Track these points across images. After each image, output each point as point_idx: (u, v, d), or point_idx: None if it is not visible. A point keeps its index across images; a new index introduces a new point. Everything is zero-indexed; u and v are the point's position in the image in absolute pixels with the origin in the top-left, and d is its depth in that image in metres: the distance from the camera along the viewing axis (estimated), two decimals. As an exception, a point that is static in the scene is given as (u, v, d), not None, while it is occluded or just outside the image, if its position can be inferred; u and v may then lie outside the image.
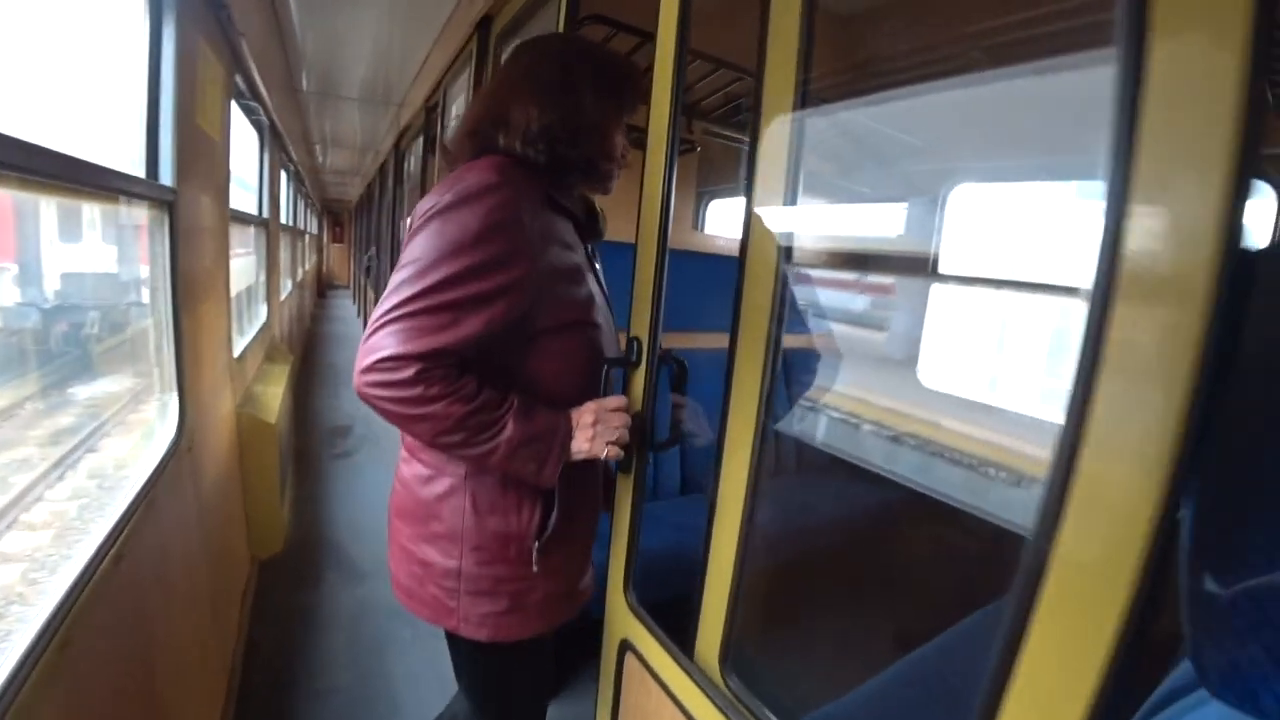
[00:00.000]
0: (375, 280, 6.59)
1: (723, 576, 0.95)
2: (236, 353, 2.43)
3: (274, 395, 2.82)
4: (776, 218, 0.85)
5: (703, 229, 3.18)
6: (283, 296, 4.71)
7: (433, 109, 3.49)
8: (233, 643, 1.92)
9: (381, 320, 0.83)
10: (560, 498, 0.98)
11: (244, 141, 3.59)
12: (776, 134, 0.86)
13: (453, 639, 1.06)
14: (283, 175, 4.78)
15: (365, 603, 2.47)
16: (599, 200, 1.08)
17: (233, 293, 3.19)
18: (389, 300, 0.84)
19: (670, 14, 0.99)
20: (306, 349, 7.38)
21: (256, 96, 2.80)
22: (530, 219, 0.87)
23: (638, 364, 1.03)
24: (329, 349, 7.85)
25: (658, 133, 1.00)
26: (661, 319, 1.01)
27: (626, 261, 1.10)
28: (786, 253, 0.84)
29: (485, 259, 0.83)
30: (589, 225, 1.04)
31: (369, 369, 0.82)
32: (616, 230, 1.16)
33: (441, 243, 0.83)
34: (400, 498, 1.06)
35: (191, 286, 1.65)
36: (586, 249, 1.03)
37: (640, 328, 1.03)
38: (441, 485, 0.98)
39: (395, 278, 0.85)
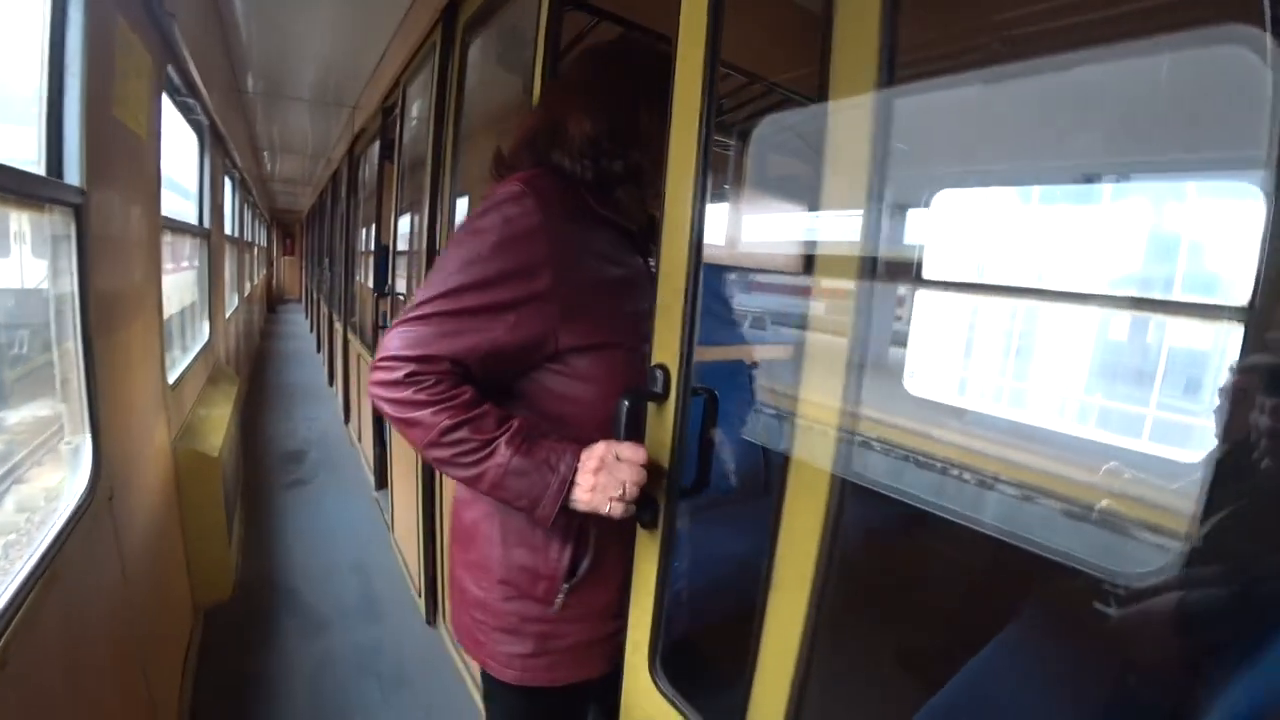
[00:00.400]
0: (330, 294, 6.25)
1: (784, 658, 0.77)
2: (172, 379, 2.15)
3: (217, 424, 2.54)
4: (862, 225, 0.68)
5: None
6: (228, 313, 4.37)
7: (390, 110, 3.25)
8: (170, 720, 1.65)
9: (396, 321, 0.84)
10: (596, 535, 0.90)
11: (185, 145, 3.29)
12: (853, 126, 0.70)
13: (485, 675, 1.00)
14: (227, 182, 4.45)
15: (326, 656, 2.21)
16: None
17: (169, 311, 2.90)
18: (409, 304, 0.84)
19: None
20: (256, 367, 6.95)
21: (194, 93, 2.53)
22: (559, 231, 0.84)
23: (664, 397, 0.85)
24: (280, 367, 7.42)
25: (687, 109, 0.83)
26: (695, 342, 0.83)
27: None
28: (870, 264, 0.67)
29: (499, 271, 0.81)
30: (647, 237, 0.96)
31: (374, 366, 0.83)
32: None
33: (460, 253, 0.83)
34: (453, 517, 1.04)
35: (111, 306, 1.40)
36: (647, 263, 0.95)
37: (666, 353, 0.85)
38: (477, 510, 0.96)
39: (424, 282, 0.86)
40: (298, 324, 11.61)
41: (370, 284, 3.96)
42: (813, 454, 0.74)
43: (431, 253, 2.21)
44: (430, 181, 2.20)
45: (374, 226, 3.99)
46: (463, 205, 2.23)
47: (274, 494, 3.57)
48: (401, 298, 3.10)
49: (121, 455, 1.44)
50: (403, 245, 3.18)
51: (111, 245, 1.38)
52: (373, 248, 4.02)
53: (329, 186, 6.65)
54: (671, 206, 0.85)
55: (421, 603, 2.42)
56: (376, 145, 3.74)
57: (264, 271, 11.85)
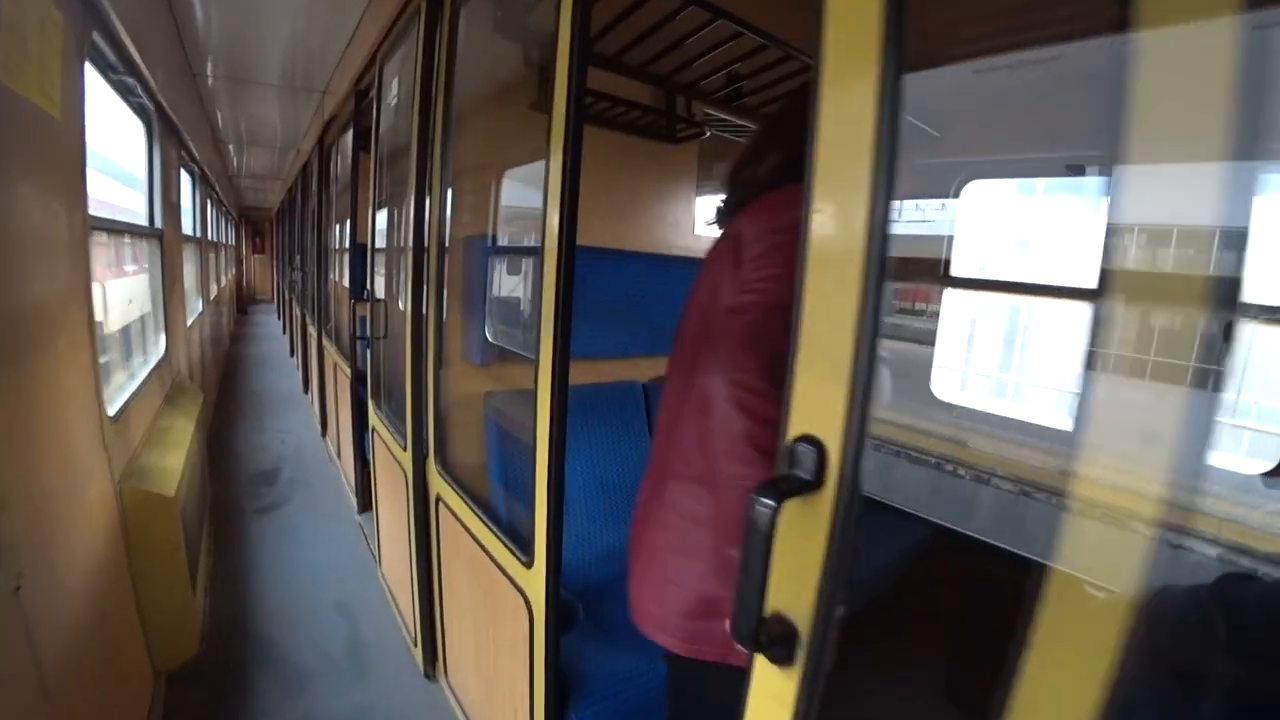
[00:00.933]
0: (302, 296, 5.86)
1: None
2: (115, 408, 1.82)
3: (175, 454, 2.20)
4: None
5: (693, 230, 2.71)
6: (190, 320, 3.99)
7: (365, 93, 2.91)
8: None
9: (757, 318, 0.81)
10: None
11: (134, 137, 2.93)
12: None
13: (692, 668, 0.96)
14: (184, 177, 4.06)
15: (310, 719, 1.91)
16: None
17: (115, 326, 2.55)
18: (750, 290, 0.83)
19: None
20: (225, 375, 6.53)
21: (132, 70, 2.17)
22: None
23: (816, 486, 0.57)
24: (251, 373, 7.00)
25: (855, 61, 0.55)
26: (869, 404, 0.55)
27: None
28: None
29: None
30: None
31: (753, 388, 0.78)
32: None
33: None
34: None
35: (9, 329, 1.08)
36: None
37: (818, 419, 0.57)
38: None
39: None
40: (270, 325, 11.12)
41: (345, 283, 3.61)
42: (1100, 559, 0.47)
43: (420, 252, 1.90)
44: (416, 171, 1.89)
45: (348, 223, 3.64)
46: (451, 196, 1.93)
47: (244, 521, 3.22)
48: (382, 302, 2.78)
49: (34, 525, 1.12)
50: (381, 242, 2.86)
51: (4, 250, 1.06)
52: (347, 246, 3.68)
53: (298, 181, 6.25)
54: (823, 207, 0.57)
55: (418, 652, 2.13)
56: (350, 134, 3.39)
57: (233, 271, 11.35)
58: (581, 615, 1.52)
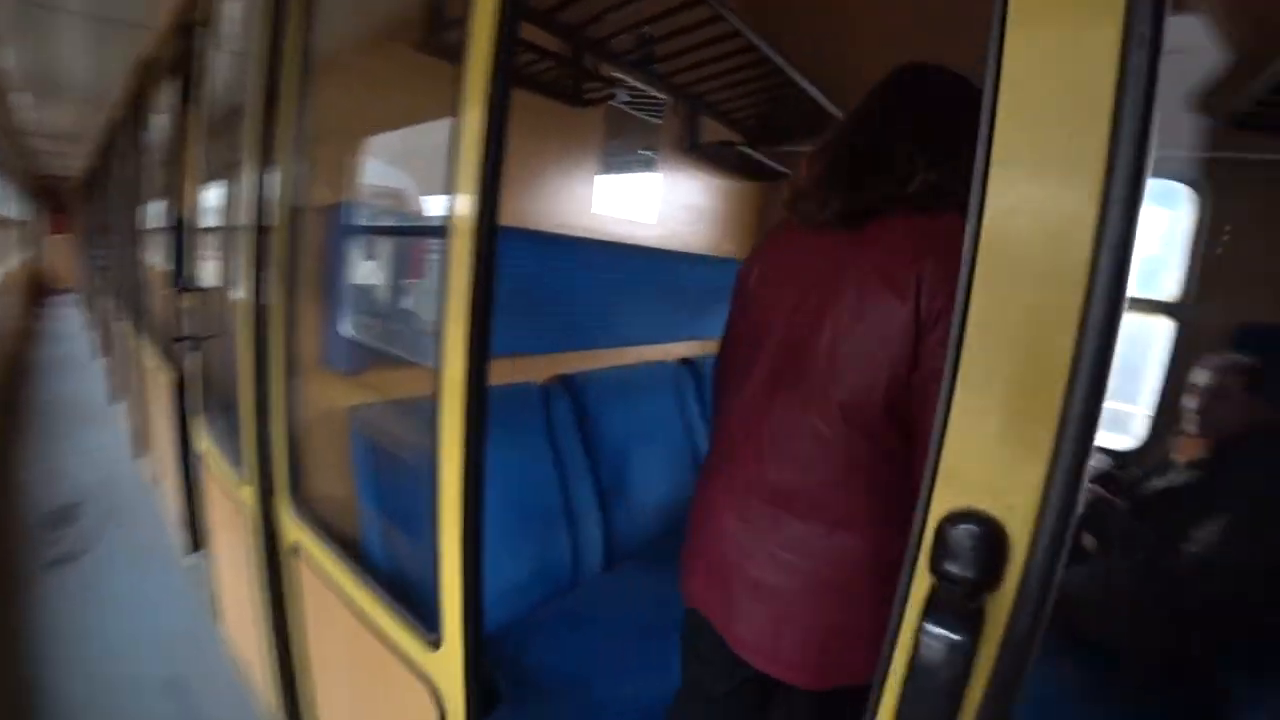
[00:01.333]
0: (112, 285, 4.88)
1: None
2: None
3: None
4: None
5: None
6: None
7: (189, 29, 2.31)
8: None
9: None
10: None
11: None
12: None
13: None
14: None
15: None
16: None
17: None
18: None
19: None
20: (9, 384, 5.31)
21: None
22: None
23: (984, 588, 0.38)
24: (46, 380, 5.75)
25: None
26: (1085, 470, 0.36)
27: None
28: None
29: None
30: None
31: None
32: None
33: None
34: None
35: None
36: None
37: (993, 489, 0.38)
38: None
39: None
40: (74, 319, 9.39)
41: (164, 268, 2.95)
42: None
43: (264, 229, 1.47)
44: (260, 127, 1.45)
45: (170, 194, 2.97)
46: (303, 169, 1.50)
47: (29, 582, 2.47)
48: (213, 292, 2.23)
49: None
50: (214, 219, 2.33)
51: None
52: (168, 223, 3.01)
53: (110, 142, 5.20)
54: (1013, 199, 0.42)
55: (276, 734, 1.67)
56: (173, 81, 2.74)
57: (26, 255, 9.48)
58: (504, 691, 1.21)
